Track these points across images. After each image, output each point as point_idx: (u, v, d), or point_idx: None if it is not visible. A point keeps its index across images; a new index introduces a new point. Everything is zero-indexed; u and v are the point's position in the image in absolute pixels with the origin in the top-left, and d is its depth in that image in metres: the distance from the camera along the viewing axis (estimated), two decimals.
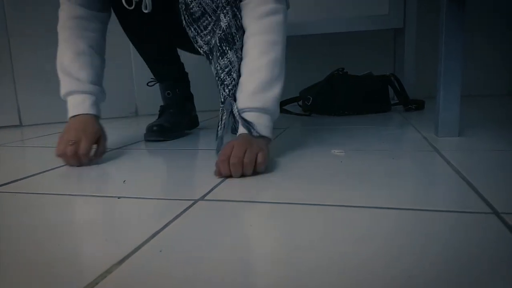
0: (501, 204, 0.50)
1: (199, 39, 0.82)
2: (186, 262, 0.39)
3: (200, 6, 0.80)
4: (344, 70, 1.58)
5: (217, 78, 0.81)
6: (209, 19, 0.80)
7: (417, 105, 1.53)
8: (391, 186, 0.61)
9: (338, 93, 1.53)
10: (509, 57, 1.88)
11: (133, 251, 0.41)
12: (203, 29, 0.81)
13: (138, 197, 0.61)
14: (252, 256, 0.40)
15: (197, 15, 0.81)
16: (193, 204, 0.56)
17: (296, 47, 1.96)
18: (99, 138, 0.86)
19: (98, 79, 0.91)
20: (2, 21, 1.55)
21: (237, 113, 0.74)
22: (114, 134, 1.30)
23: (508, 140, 0.88)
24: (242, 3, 0.80)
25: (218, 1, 0.80)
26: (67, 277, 0.37)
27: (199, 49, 0.84)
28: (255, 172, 0.69)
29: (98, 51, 0.92)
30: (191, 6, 0.80)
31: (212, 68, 0.83)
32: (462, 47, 0.90)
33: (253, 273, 0.37)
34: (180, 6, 0.82)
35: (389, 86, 1.58)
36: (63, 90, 0.87)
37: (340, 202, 0.54)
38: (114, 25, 1.02)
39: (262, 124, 0.74)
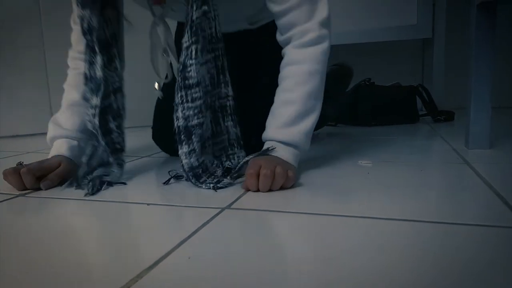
0: None
1: (179, 108, 0.70)
2: (213, 269, 0.39)
3: (198, 73, 0.69)
4: (371, 81, 1.57)
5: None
6: (201, 93, 0.70)
7: (446, 116, 1.51)
8: (419, 198, 0.60)
9: (364, 103, 1.52)
10: None
11: (162, 257, 0.42)
12: (189, 101, 0.70)
13: (167, 204, 0.62)
14: (277, 264, 0.40)
15: (190, 81, 0.69)
16: (220, 212, 0.56)
17: None
18: (58, 170, 0.77)
19: (86, 128, 0.82)
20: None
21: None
22: (143, 142, 1.32)
23: None
24: (284, 36, 0.75)
25: (221, 85, 0.73)
26: (99, 281, 0.38)
27: (175, 120, 0.71)
28: (280, 188, 0.67)
29: None
30: (188, 69, 0.69)
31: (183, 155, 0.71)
32: (493, 59, 0.88)
33: (279, 282, 0.37)
34: (178, 66, 0.72)
35: (417, 96, 1.56)
36: (47, 136, 0.84)
37: (367, 214, 0.53)
38: None
39: (285, 154, 0.71)
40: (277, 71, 0.77)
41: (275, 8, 0.74)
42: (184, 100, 0.70)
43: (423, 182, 0.69)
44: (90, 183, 0.72)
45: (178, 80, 0.70)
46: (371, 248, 0.43)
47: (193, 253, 0.43)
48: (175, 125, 0.71)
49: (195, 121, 0.70)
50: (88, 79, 0.78)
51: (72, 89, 0.85)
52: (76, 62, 0.85)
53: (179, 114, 0.70)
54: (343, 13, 1.76)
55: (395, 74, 1.82)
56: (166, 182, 0.74)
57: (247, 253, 0.43)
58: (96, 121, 0.77)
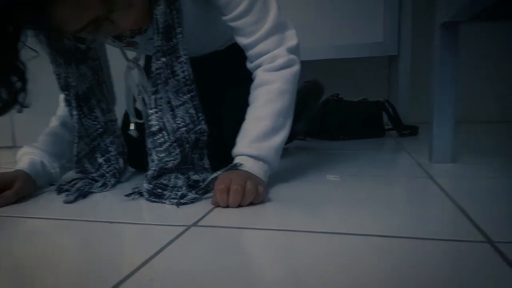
0: (496, 233, 0.49)
1: (153, 152, 0.74)
2: None
3: (159, 120, 0.73)
4: (339, 96, 1.60)
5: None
6: (166, 137, 0.73)
7: (411, 131, 1.55)
8: (385, 213, 0.60)
9: (333, 118, 1.54)
10: (503, 84, 1.91)
11: (123, 279, 0.41)
12: (158, 146, 0.74)
13: (130, 222, 0.60)
14: (247, 284, 0.39)
15: (153, 129, 0.73)
16: (185, 230, 0.55)
17: None
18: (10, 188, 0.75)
19: (59, 151, 0.86)
20: None
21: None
22: None
23: (502, 167, 0.88)
24: (253, 63, 0.77)
25: (183, 131, 0.74)
26: None
27: (150, 162, 0.75)
28: (250, 203, 0.66)
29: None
30: (150, 118, 0.74)
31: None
32: (456, 74, 0.91)
33: None
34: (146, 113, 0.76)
35: (383, 111, 1.60)
36: (17, 155, 0.85)
37: (334, 230, 0.53)
38: None
39: (255, 168, 0.71)
40: (245, 87, 0.78)
41: (243, 41, 0.76)
42: (155, 146, 0.74)
43: (389, 197, 0.70)
44: (76, 192, 0.75)
45: (146, 128, 0.75)
46: (339, 263, 0.43)
47: (156, 275, 0.42)
48: (152, 167, 0.74)
49: (170, 161, 0.74)
50: (74, 128, 0.82)
51: (55, 118, 0.89)
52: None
53: (154, 157, 0.74)
54: (311, 29, 1.79)
55: (363, 90, 1.85)
56: (129, 195, 0.73)
57: (214, 273, 0.42)
58: (86, 161, 0.85)
